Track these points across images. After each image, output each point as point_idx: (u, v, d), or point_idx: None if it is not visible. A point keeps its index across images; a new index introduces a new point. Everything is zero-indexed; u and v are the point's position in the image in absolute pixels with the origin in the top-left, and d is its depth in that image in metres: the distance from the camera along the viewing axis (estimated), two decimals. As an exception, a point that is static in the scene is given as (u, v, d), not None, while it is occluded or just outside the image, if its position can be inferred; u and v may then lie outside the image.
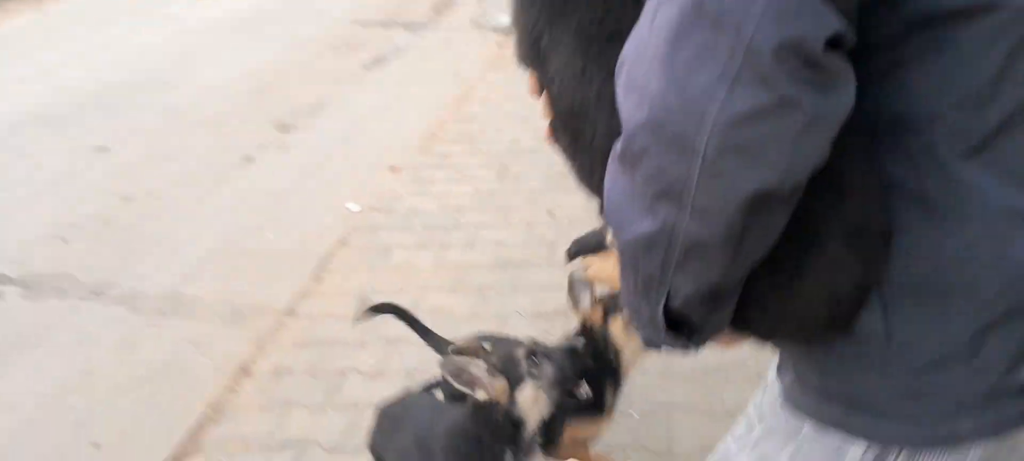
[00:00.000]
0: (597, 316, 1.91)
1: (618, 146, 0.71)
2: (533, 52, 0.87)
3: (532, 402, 1.73)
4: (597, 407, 1.92)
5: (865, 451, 0.85)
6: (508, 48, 6.35)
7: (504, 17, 6.61)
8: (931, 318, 0.77)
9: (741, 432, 1.11)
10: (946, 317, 0.76)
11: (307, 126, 4.96)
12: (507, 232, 3.61)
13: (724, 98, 0.60)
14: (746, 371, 2.57)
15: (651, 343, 0.83)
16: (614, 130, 0.71)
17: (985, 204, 0.74)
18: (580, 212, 3.70)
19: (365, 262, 3.44)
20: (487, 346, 1.84)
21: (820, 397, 0.88)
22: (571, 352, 1.80)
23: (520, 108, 5.02)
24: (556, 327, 2.84)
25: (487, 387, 1.69)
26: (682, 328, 0.79)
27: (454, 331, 2.25)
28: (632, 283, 0.78)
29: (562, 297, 2.45)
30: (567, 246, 1.87)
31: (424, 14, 7.25)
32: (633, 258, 0.76)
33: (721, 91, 0.60)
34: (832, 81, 0.62)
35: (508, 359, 1.75)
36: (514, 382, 1.72)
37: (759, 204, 0.65)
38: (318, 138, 4.82)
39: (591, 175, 0.84)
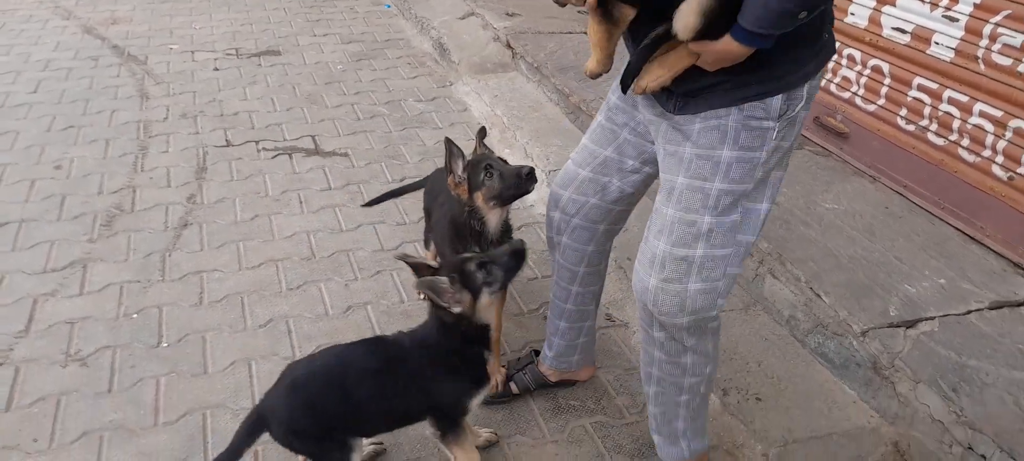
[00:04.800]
0: (467, 300, 1.91)
1: None
2: None
3: (487, 306, 1.94)
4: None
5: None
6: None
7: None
8: None
9: (673, 205, 1.77)
10: None
11: None
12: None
13: None
14: (274, 289, 2.96)
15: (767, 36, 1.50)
16: None
17: None
18: (91, 164, 3.81)
19: None
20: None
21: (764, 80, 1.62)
22: (515, 254, 1.98)
23: (12, 61, 5.06)
24: (71, 280, 2.96)
25: (460, 301, 1.89)
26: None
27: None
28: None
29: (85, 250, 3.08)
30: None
31: None
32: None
33: None
34: None
35: (463, 271, 1.92)
36: (474, 292, 1.92)
37: None
38: None
39: None
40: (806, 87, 1.66)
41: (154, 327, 2.73)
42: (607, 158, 2.03)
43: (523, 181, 2.25)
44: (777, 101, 1.65)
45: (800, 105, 1.68)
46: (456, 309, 1.88)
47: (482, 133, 2.50)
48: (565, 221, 2.16)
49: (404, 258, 1.98)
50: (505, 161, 2.32)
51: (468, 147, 2.51)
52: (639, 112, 1.93)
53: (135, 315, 2.79)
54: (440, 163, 3.09)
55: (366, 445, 2.26)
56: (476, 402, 2.04)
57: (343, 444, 1.98)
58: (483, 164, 2.24)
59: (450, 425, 2.03)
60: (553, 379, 2.52)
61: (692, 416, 2.10)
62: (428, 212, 2.82)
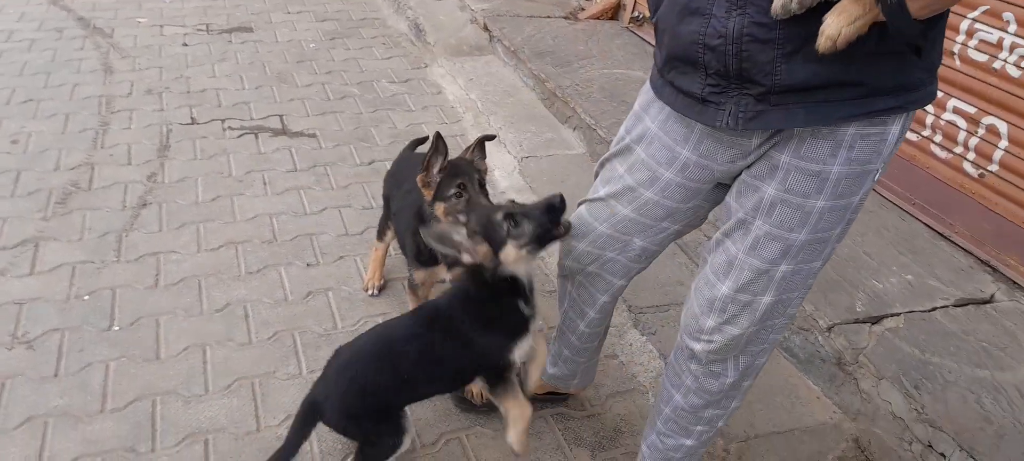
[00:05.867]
0: (484, 252, 1.77)
1: None
2: None
3: (515, 260, 1.79)
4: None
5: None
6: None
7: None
8: None
9: (746, 249, 1.55)
10: None
11: None
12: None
13: None
14: (233, 272, 2.89)
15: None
16: None
17: None
18: (49, 138, 3.68)
19: None
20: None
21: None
22: (549, 208, 1.78)
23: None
24: (22, 259, 2.87)
25: (471, 252, 1.76)
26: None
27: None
28: None
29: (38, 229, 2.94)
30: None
31: None
32: None
33: None
34: None
35: (487, 223, 1.78)
36: (496, 244, 1.77)
37: None
38: None
39: None
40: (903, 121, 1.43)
41: (106, 310, 2.64)
42: (627, 217, 1.75)
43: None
44: (895, 130, 1.42)
45: (902, 134, 1.46)
46: (467, 259, 1.77)
47: (483, 142, 2.27)
48: (578, 268, 1.93)
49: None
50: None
51: (442, 132, 2.38)
52: (686, 146, 1.59)
53: (86, 297, 2.70)
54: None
55: None
56: (518, 354, 1.88)
57: (397, 426, 1.96)
58: (502, 215, 1.79)
59: (497, 379, 1.90)
60: (541, 392, 2.34)
61: (700, 446, 1.92)
62: (387, 199, 2.69)
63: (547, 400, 2.39)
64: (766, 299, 1.58)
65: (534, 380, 2.02)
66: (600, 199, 1.79)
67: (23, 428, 2.18)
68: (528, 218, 1.76)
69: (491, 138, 2.30)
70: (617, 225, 1.77)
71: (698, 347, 1.70)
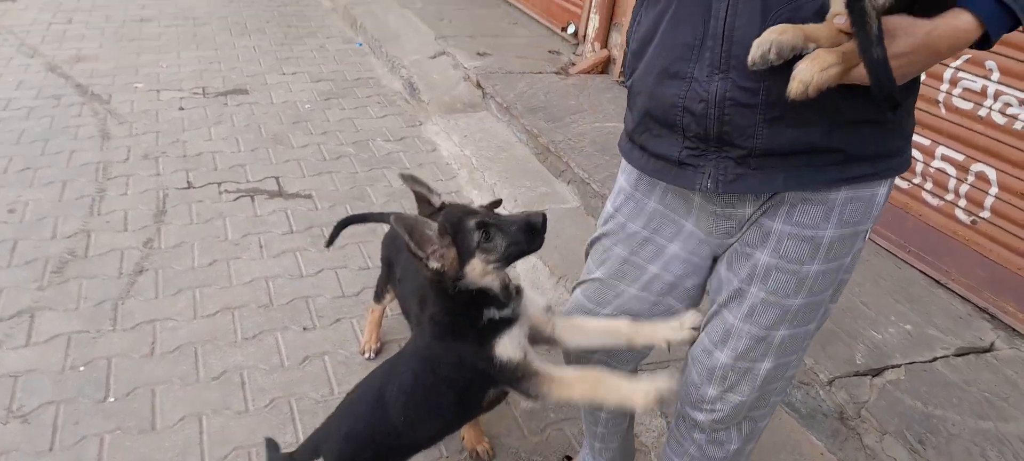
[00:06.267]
0: (452, 257, 1.62)
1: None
2: None
3: (480, 275, 1.65)
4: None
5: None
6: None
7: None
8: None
9: (742, 317, 1.54)
10: None
11: None
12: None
13: None
14: (229, 338, 2.87)
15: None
16: None
17: None
18: (46, 207, 3.70)
19: None
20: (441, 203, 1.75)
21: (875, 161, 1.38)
22: (528, 227, 1.66)
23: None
24: (18, 330, 2.85)
25: (439, 254, 1.61)
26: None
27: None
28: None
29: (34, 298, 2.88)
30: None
31: None
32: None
33: None
34: None
35: (458, 226, 1.63)
36: (463, 255, 1.62)
37: None
38: None
39: None
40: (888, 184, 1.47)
41: (102, 380, 2.62)
42: (633, 296, 1.70)
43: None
44: (883, 191, 1.44)
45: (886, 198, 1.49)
46: (433, 265, 1.59)
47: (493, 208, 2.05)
48: (585, 358, 1.85)
49: (408, 179, 1.73)
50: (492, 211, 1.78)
51: (438, 189, 2.33)
52: (689, 220, 1.59)
53: (82, 368, 2.68)
54: (405, 206, 3.00)
55: None
56: (502, 351, 1.66)
57: None
58: (475, 222, 1.64)
59: (519, 380, 1.66)
60: None
61: None
62: (388, 262, 2.64)
63: None
64: (766, 365, 1.58)
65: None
66: (598, 280, 1.74)
67: (16, 506, 2.15)
68: (502, 233, 1.63)
69: (498, 204, 2.27)
70: (621, 307, 1.71)
71: (701, 417, 1.69)
